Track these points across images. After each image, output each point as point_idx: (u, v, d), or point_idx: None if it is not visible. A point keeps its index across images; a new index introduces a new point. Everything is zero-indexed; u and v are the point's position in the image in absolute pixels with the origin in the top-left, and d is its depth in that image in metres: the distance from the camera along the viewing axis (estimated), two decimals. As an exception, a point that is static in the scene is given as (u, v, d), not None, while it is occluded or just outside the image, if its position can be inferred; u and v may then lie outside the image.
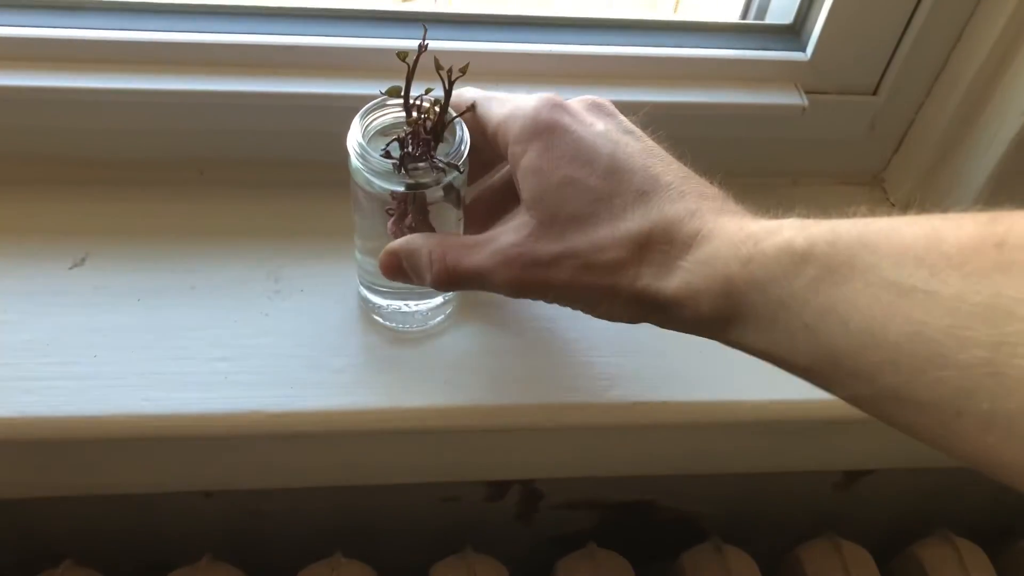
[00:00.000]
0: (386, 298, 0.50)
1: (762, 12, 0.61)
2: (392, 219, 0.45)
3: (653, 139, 0.42)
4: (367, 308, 0.52)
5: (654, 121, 0.58)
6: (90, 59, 0.52)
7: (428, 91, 0.44)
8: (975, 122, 0.57)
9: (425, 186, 0.43)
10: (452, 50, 0.54)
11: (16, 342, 0.48)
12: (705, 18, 0.61)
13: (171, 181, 0.58)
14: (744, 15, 0.62)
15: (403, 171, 0.42)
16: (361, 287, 0.51)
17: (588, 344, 0.52)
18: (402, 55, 0.42)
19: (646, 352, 0.52)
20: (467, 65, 0.42)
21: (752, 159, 0.63)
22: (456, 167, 0.42)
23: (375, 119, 0.45)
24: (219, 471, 0.54)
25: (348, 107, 0.45)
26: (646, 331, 0.47)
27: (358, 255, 0.50)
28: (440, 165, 0.42)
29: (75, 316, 0.50)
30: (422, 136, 0.43)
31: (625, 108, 0.57)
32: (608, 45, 0.56)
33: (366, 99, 0.45)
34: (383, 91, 0.44)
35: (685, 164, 0.41)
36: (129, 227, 0.55)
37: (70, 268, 0.52)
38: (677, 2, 0.69)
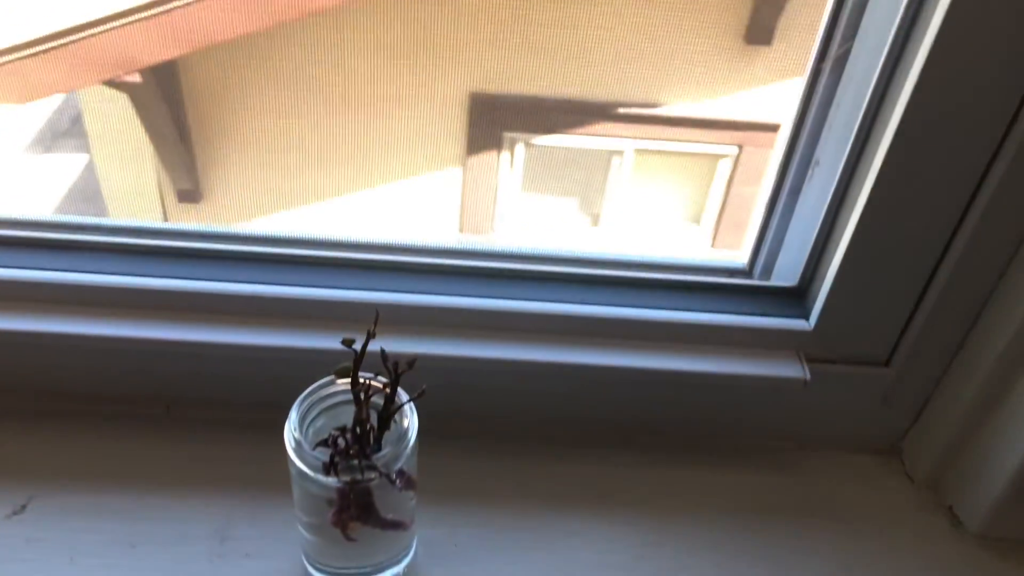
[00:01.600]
0: (331, 577, 0.46)
1: (768, 268, 0.58)
2: (333, 509, 0.41)
3: None
4: (312, 584, 0.48)
5: (650, 386, 0.55)
6: (63, 301, 0.52)
7: (376, 375, 0.41)
8: (1003, 400, 0.52)
9: (363, 482, 0.39)
10: (435, 304, 0.52)
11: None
12: (708, 262, 0.59)
13: (137, 416, 0.56)
14: (751, 266, 0.59)
15: (334, 471, 0.39)
16: (305, 562, 0.47)
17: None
18: (348, 341, 0.40)
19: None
20: (415, 360, 0.39)
21: (754, 422, 0.58)
22: (387, 475, 0.39)
23: (323, 395, 0.42)
24: None
25: (316, 360, 0.43)
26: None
27: (301, 529, 0.46)
28: (376, 466, 0.39)
29: (-2, 577, 0.47)
30: (365, 428, 0.40)
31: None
32: (602, 305, 0.54)
33: (328, 353, 0.42)
34: (334, 371, 0.42)
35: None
36: (83, 468, 0.53)
37: (8, 516, 0.49)
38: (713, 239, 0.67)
